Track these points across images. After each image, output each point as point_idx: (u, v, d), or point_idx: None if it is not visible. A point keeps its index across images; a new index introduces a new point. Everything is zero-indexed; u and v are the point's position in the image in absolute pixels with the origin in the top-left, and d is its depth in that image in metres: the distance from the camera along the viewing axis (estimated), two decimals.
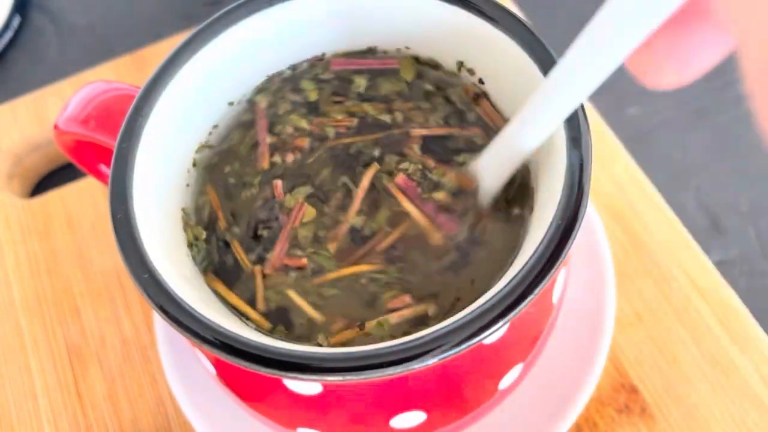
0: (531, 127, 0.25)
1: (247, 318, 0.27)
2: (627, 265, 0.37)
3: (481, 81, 0.30)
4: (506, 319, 0.22)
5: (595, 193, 0.39)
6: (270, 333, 0.27)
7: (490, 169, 0.27)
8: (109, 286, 0.39)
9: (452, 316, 0.22)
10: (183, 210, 0.29)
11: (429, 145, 0.30)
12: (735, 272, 0.39)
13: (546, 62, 0.26)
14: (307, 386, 0.24)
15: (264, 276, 0.28)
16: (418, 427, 0.26)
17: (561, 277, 0.28)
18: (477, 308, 0.22)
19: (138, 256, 0.24)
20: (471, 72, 0.30)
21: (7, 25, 0.50)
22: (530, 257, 0.23)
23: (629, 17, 0.19)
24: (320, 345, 0.26)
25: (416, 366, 0.21)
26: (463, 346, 0.21)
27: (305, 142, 0.30)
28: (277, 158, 0.30)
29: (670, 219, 0.38)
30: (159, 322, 0.34)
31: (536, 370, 0.30)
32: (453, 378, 0.25)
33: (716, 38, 0.18)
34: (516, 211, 0.28)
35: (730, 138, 0.43)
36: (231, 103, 0.31)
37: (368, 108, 0.31)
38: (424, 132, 0.30)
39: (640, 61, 0.20)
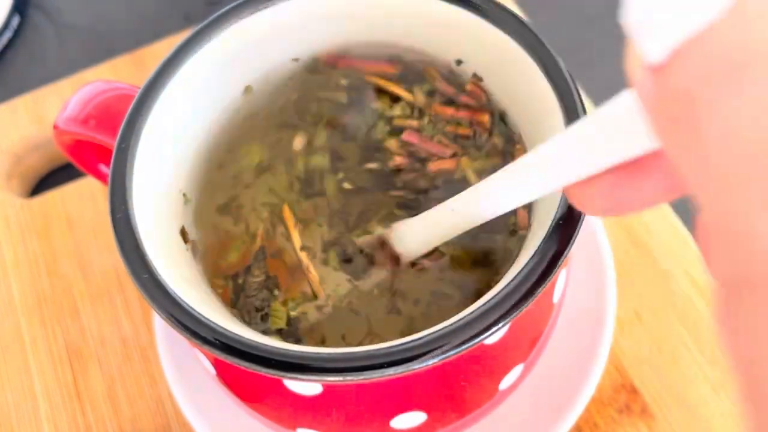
0: (490, 203, 0.24)
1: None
2: (627, 265, 0.37)
3: (479, 78, 0.30)
4: (507, 319, 0.22)
5: None
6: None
7: (420, 235, 0.27)
8: (109, 286, 0.39)
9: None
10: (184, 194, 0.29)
11: None
12: None
13: (547, 61, 0.26)
14: (307, 386, 0.24)
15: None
16: (419, 427, 0.26)
17: (561, 278, 0.28)
18: (478, 308, 0.22)
19: (138, 256, 0.24)
20: (470, 70, 0.30)
21: (6, 25, 0.50)
22: (531, 257, 0.23)
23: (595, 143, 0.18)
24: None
25: (416, 366, 0.21)
26: (464, 346, 0.21)
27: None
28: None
29: (670, 219, 0.38)
30: (159, 322, 0.34)
31: (536, 371, 0.30)
32: (453, 378, 0.25)
33: (655, 191, 0.18)
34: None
35: None
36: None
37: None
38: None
39: (576, 191, 0.20)
